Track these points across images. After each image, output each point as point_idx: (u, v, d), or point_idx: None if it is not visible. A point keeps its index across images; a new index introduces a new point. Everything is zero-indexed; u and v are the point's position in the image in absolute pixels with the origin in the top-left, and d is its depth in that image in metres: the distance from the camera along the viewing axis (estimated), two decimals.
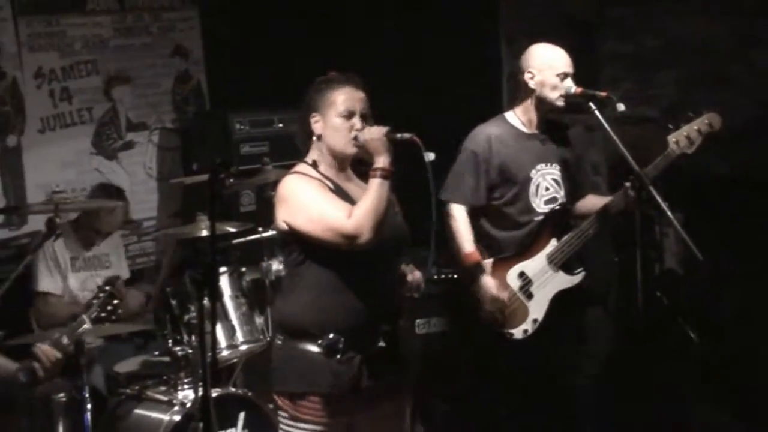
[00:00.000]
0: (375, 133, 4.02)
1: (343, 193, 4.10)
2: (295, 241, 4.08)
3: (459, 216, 5.20)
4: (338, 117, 4.09)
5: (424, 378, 5.88)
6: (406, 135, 4.07)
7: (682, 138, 4.99)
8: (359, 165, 4.23)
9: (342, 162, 4.17)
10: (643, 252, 5.28)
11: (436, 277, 6.23)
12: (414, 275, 4.24)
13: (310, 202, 4.01)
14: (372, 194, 3.97)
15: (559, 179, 5.23)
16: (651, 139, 5.18)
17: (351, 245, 3.95)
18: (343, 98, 4.10)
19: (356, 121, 4.09)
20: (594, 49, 7.51)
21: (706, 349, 6.37)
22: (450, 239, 5.21)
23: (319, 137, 4.14)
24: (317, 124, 4.13)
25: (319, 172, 4.12)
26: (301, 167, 4.16)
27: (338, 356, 4.03)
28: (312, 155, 4.16)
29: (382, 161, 4.00)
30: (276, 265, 5.54)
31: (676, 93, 7.06)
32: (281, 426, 4.17)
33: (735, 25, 7.05)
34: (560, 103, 5.11)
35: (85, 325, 4.88)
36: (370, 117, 4.14)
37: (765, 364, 6.18)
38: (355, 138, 4.07)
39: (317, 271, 4.06)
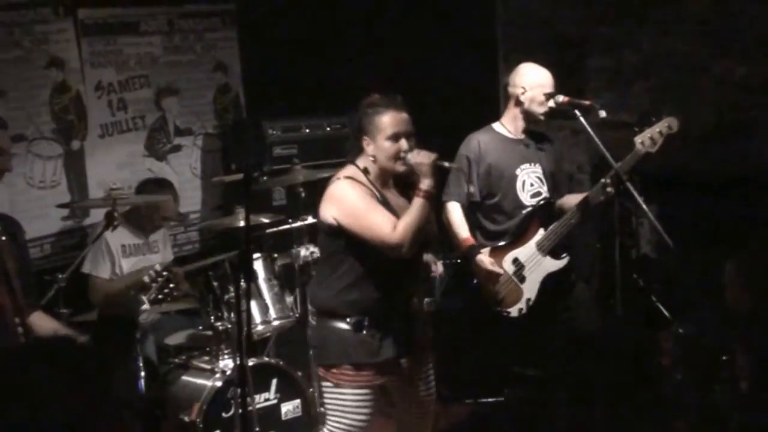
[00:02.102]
0: (424, 158, 3.98)
1: (386, 203, 4.10)
2: (339, 235, 4.08)
3: (454, 210, 5.25)
4: (386, 140, 4.04)
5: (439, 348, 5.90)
6: (454, 164, 4.16)
7: (646, 139, 5.05)
8: (398, 178, 4.23)
9: (388, 176, 4.16)
10: (621, 239, 5.32)
11: (443, 262, 6.26)
12: (437, 267, 4.31)
13: (362, 210, 4.01)
14: (415, 212, 3.96)
15: (542, 177, 5.27)
16: (628, 142, 5.20)
17: (393, 254, 3.97)
18: (389, 122, 4.04)
19: (403, 143, 4.04)
20: (580, 63, 7.51)
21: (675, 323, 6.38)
22: (448, 230, 5.25)
23: (373, 157, 4.10)
24: (369, 147, 4.09)
25: (368, 179, 4.11)
26: (352, 171, 4.14)
27: (364, 332, 4.09)
28: (362, 163, 4.13)
29: (427, 184, 3.98)
30: (304, 252, 5.58)
31: (650, 101, 7.06)
32: (326, 394, 4.21)
33: (702, 42, 7.04)
34: (543, 117, 5.20)
35: (144, 306, 4.94)
36: (414, 134, 4.09)
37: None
38: (404, 159, 4.03)
39: (352, 261, 4.09)
